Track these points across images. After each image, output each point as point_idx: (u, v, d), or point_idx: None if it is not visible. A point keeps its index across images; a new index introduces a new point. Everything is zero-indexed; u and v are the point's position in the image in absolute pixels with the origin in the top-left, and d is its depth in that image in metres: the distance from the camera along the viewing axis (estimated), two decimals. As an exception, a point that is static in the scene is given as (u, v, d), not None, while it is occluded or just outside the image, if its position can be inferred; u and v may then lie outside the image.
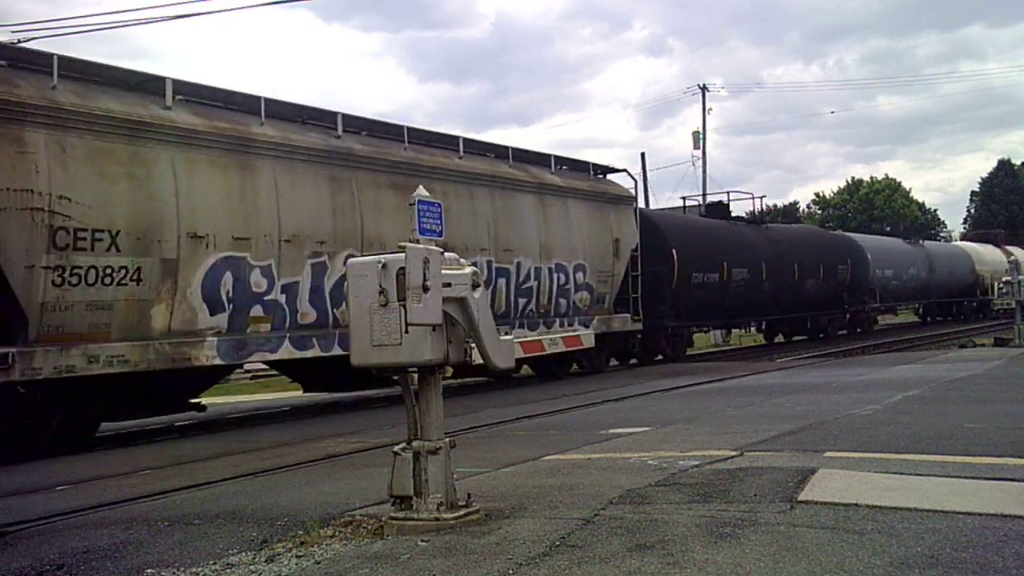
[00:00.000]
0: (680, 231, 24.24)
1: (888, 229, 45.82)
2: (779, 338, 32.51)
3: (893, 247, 39.76)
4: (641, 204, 37.22)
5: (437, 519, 4.94)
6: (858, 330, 34.53)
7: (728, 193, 31.83)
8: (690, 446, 7.55)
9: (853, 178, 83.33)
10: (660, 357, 22.87)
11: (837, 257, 31.77)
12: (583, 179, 20.20)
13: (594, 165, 21.00)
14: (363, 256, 5.12)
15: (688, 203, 33.87)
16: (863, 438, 7.49)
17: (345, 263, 13.16)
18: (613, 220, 20.41)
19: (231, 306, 12.34)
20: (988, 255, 48.15)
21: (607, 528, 4.75)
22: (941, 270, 41.79)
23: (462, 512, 5.06)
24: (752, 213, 31.05)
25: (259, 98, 13.26)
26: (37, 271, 10.16)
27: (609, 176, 21.54)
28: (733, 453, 6.98)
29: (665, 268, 22.34)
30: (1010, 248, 51.89)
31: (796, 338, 31.91)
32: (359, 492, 6.35)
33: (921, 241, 43.39)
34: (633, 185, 22.12)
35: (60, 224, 10.33)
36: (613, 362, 21.74)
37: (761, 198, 31.88)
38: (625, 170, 21.83)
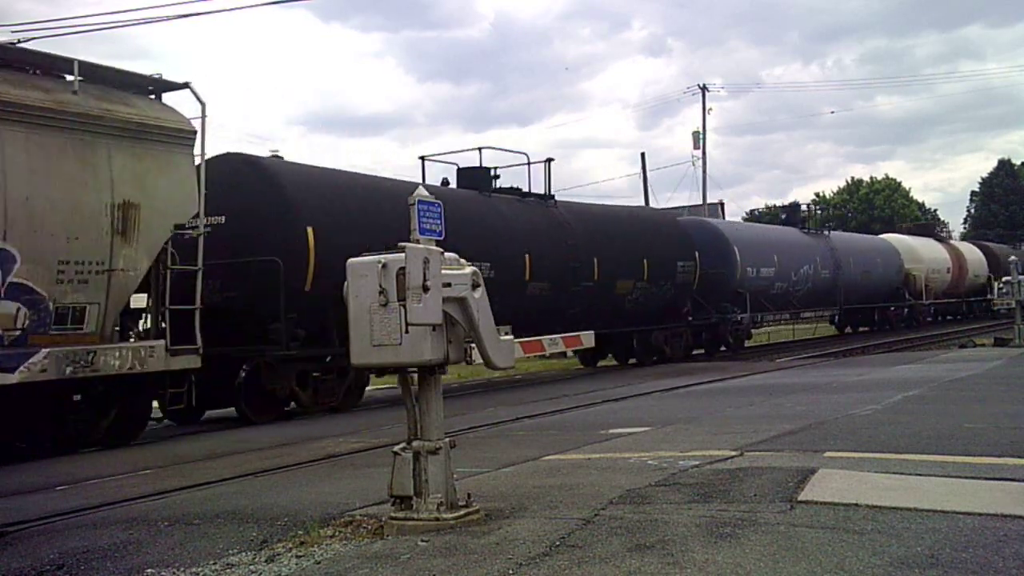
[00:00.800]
0: (329, 196, 14.59)
1: (783, 216, 34.40)
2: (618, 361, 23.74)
3: (778, 238, 29.87)
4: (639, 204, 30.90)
5: (437, 519, 4.94)
6: (722, 348, 25.67)
7: (479, 150, 19.19)
8: (690, 446, 7.55)
9: (853, 178, 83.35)
10: (277, 410, 13.74)
11: (676, 250, 22.77)
12: (47, 88, 10.72)
13: (92, 66, 11.31)
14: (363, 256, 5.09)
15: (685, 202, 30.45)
16: (863, 438, 7.49)
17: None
18: (121, 169, 11.13)
19: None
20: (924, 251, 39.39)
21: (607, 528, 4.75)
22: (852, 268, 32.85)
23: (462, 512, 5.06)
24: (546, 187, 20.22)
25: None
26: None
27: (166, 96, 12.22)
28: (733, 453, 6.98)
29: (288, 259, 13.06)
30: (956, 244, 43.86)
31: (631, 361, 22.98)
32: (359, 492, 6.35)
33: (826, 231, 33.93)
34: (200, 116, 12.14)
35: None
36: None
37: (548, 162, 20.16)
38: (187, 85, 12.12)
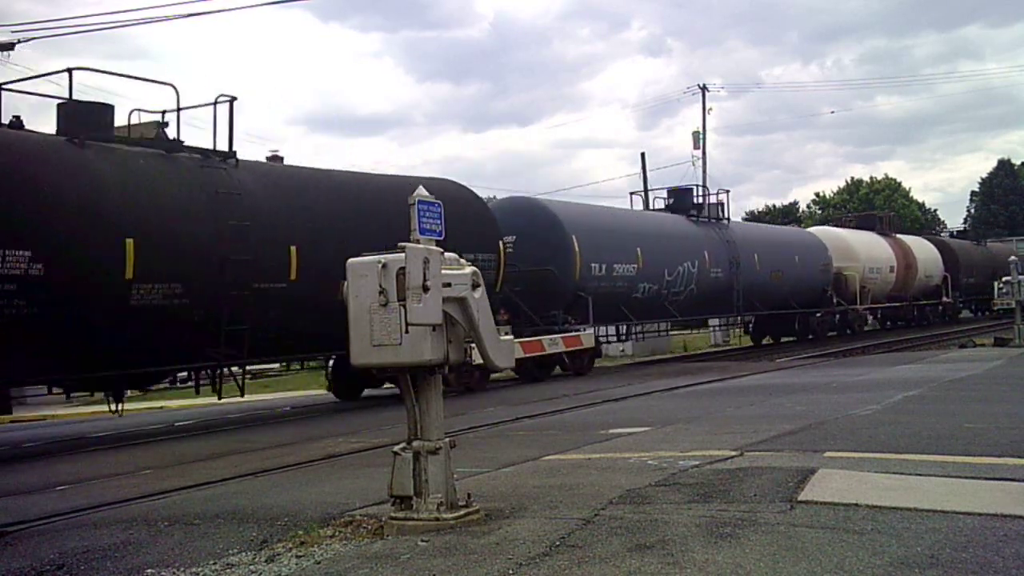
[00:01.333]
0: None
1: (671, 202, 26.50)
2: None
3: (644, 227, 23.31)
4: (639, 206, 27.86)
5: (437, 519, 4.94)
6: (556, 371, 19.24)
7: (68, 72, 12.20)
8: (690, 446, 7.55)
9: (853, 178, 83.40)
10: None
11: (463, 236, 14.20)
12: None
13: None
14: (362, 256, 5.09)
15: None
16: (863, 438, 7.49)
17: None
18: None
19: None
20: (860, 247, 33.05)
21: (607, 528, 4.75)
22: (756, 267, 26.47)
23: (462, 512, 5.06)
24: (213, 138, 13.55)
25: None
26: None
27: None
28: (733, 453, 6.98)
29: None
30: (904, 239, 37.21)
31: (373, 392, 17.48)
32: (359, 492, 6.36)
33: (725, 221, 26.87)
34: None
35: None
36: None
37: (224, 104, 13.47)
38: None
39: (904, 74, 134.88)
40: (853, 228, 36.85)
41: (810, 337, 29.95)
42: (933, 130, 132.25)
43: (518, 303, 18.44)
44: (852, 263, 32.03)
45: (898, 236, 37.20)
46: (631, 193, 26.63)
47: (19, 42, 11.38)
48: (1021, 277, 22.53)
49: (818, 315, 30.56)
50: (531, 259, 18.82)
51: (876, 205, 75.01)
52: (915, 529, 4.38)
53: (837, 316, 31.93)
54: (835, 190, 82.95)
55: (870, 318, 36.15)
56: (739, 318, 28.26)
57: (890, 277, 34.37)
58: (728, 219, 27.34)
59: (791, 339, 30.57)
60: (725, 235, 25.93)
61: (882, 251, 34.52)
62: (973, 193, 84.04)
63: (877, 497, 5.06)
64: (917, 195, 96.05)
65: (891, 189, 79.57)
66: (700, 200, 26.65)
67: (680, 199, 26.45)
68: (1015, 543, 4.10)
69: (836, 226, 38.82)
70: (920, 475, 5.77)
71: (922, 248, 37.87)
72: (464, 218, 16.14)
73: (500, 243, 17.45)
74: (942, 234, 50.27)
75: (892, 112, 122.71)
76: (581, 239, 19.72)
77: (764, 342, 31.35)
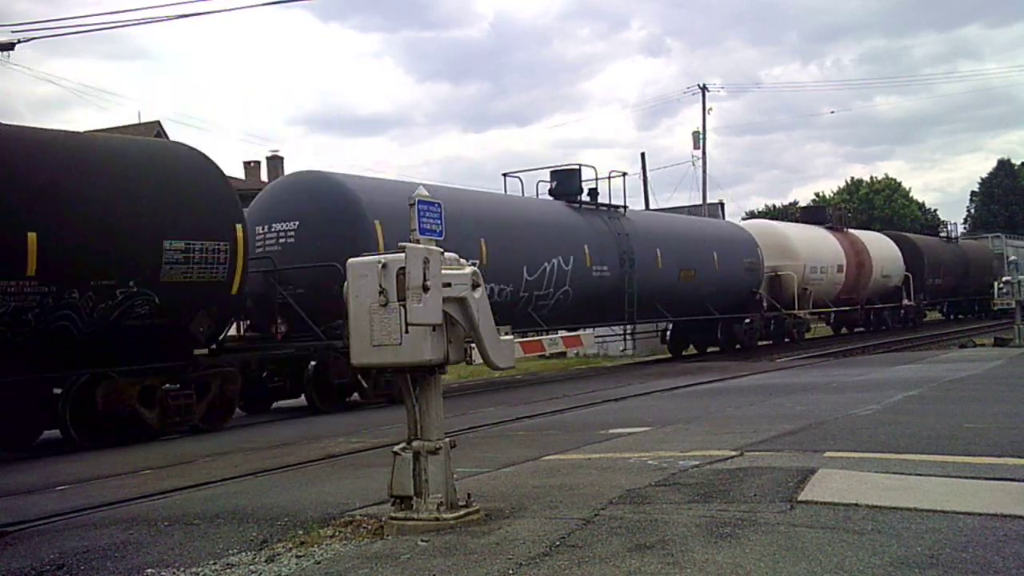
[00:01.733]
0: None
1: (553, 185, 21.30)
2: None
3: (488, 211, 17.81)
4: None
5: (437, 519, 4.94)
6: (353, 397, 15.01)
7: None
8: (690, 446, 7.55)
9: (853, 178, 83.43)
10: None
11: (172, 218, 11.73)
12: None
13: None
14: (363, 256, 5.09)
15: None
16: (863, 438, 7.49)
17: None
18: None
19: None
20: (801, 243, 28.50)
21: (607, 528, 4.75)
22: (658, 265, 21.81)
23: (462, 512, 5.06)
24: None
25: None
26: None
27: None
28: (733, 453, 6.98)
29: None
30: (858, 234, 33.13)
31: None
32: (359, 492, 6.36)
33: (621, 208, 21.82)
34: None
35: None
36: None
37: None
38: None
39: (903, 74, 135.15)
40: (798, 222, 32.74)
41: (737, 347, 25.39)
42: (933, 130, 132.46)
43: (297, 309, 13.97)
44: (790, 261, 27.61)
45: (851, 231, 33.10)
46: (504, 174, 20.92)
47: (19, 42, 11.38)
48: (1021, 277, 22.53)
49: (747, 321, 25.87)
50: (318, 252, 13.88)
51: (876, 205, 75.08)
52: (915, 529, 4.38)
53: (772, 323, 27.10)
54: (835, 190, 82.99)
55: (823, 324, 33.23)
56: (632, 326, 22.86)
57: (838, 278, 30.18)
58: (625, 207, 22.18)
59: (715, 349, 26.07)
60: (617, 226, 20.95)
61: (829, 248, 30.01)
62: (973, 193, 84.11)
63: (877, 497, 5.06)
64: (917, 195, 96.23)
65: (891, 189, 79.57)
66: (589, 184, 21.47)
67: (564, 182, 21.09)
68: (1015, 543, 4.10)
69: (780, 220, 35.01)
70: (920, 475, 5.77)
71: (879, 245, 33.65)
72: (174, 191, 12.01)
73: (237, 228, 12.61)
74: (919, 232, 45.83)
75: (891, 112, 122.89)
76: (389, 227, 14.17)
77: (685, 353, 26.65)
